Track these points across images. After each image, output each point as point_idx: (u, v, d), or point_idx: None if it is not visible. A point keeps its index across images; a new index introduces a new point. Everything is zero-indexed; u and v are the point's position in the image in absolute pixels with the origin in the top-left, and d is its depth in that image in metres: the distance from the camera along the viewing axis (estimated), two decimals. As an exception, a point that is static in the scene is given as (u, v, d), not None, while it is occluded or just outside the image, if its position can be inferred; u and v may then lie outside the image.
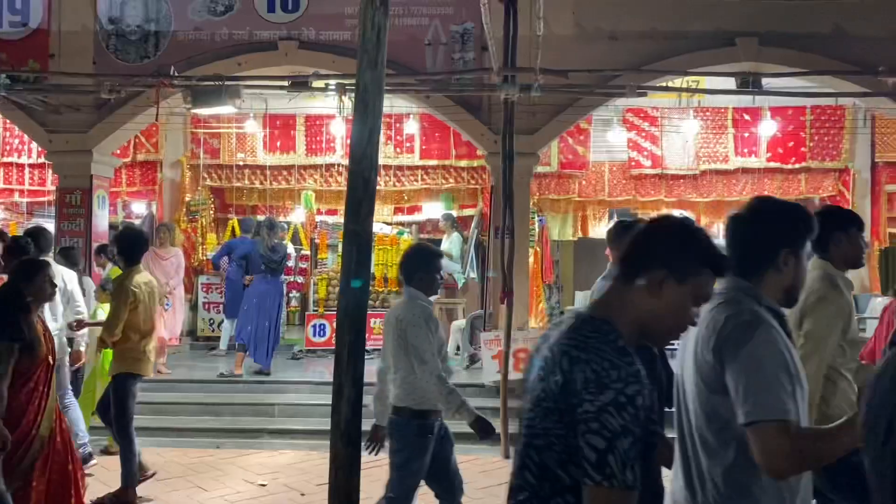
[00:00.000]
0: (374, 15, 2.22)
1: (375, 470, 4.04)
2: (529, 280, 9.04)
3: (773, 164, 10.82)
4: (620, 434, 1.55)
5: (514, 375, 7.50)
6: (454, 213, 10.99)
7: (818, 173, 10.89)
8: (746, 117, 10.66)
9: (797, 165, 10.79)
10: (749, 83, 8.24)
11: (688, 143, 10.83)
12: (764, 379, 1.77)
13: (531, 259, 10.22)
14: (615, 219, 11.28)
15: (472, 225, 10.94)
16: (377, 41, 2.23)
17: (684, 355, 1.98)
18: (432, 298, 4.29)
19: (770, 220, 1.99)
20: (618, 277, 1.78)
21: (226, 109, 8.35)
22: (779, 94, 8.36)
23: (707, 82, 9.19)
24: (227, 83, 7.67)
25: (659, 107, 10.71)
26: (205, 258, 10.65)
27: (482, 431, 3.82)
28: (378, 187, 11.50)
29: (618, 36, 8.10)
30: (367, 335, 2.56)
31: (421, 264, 3.96)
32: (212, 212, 11.38)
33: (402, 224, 11.70)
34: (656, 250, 1.75)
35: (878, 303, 9.44)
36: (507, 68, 7.37)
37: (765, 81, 8.36)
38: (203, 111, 8.77)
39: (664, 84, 8.62)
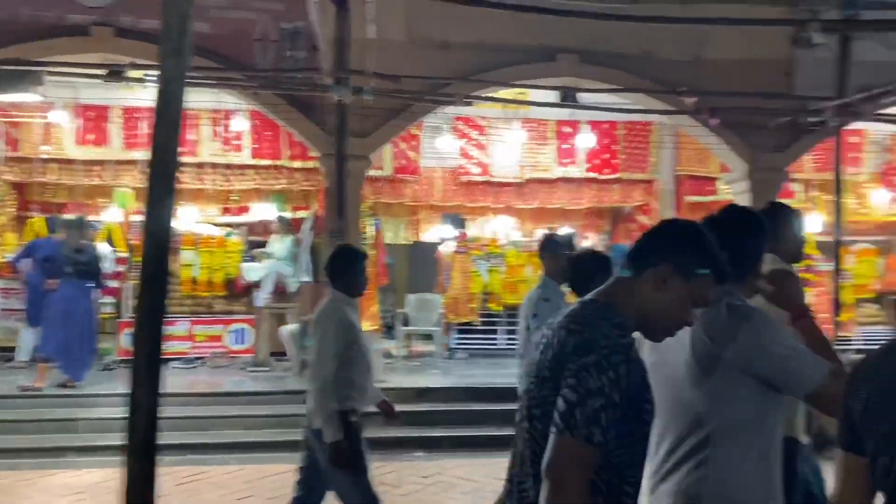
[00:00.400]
0: (177, 0, 2.10)
1: (195, 484, 3.83)
2: (361, 283, 8.99)
3: (590, 175, 11.57)
4: (594, 393, 1.60)
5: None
6: (288, 215, 10.73)
7: (629, 184, 11.78)
8: (567, 130, 11.30)
9: (611, 176, 11.61)
10: (569, 97, 8.75)
11: (514, 153, 11.31)
12: None
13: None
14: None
15: (306, 227, 10.72)
16: (180, 29, 2.11)
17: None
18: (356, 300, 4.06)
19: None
20: (626, 268, 1.84)
21: (27, 96, 7.61)
22: (595, 109, 8.96)
23: (532, 95, 9.63)
24: (28, 68, 6.99)
25: (487, 116, 11.10)
26: (2, 260, 9.63)
27: (335, 457, 3.55)
28: (204, 186, 10.87)
29: (449, 45, 8.28)
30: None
31: (347, 265, 3.83)
32: (12, 209, 10.33)
33: (230, 225, 11.23)
34: (668, 246, 1.82)
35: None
36: (340, 70, 7.32)
37: (584, 96, 8.92)
38: (0, 97, 7.94)
39: (492, 94, 8.93)
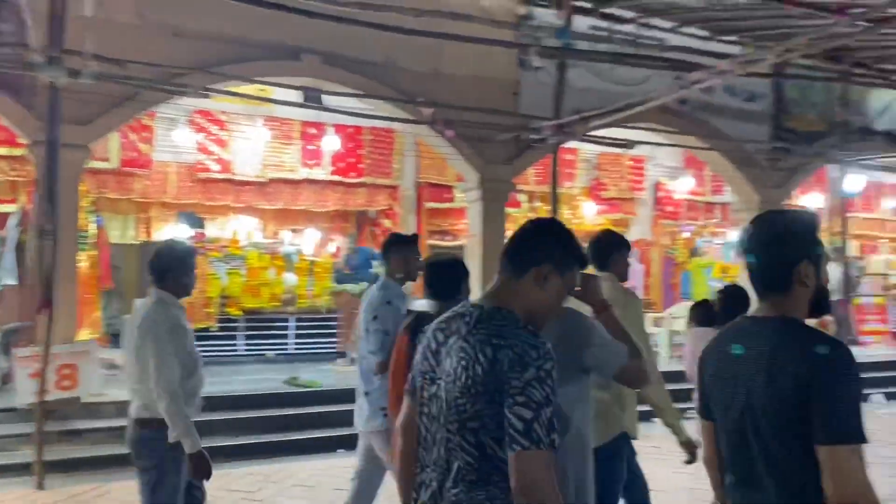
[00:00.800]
0: None
1: None
2: (78, 287, 8.11)
3: (335, 178, 11.61)
4: (543, 404, 1.73)
5: (55, 395, 6.66)
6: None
7: (374, 188, 12.02)
8: (313, 131, 11.24)
9: (356, 180, 11.76)
10: (312, 98, 8.70)
11: (256, 151, 10.97)
12: None
13: (85, 264, 9.23)
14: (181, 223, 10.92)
15: (11, 223, 9.41)
16: None
17: None
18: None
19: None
20: (505, 272, 1.99)
21: None
22: (338, 112, 8.99)
23: (276, 93, 9.42)
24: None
25: (228, 111, 10.64)
26: None
27: (197, 467, 3.34)
28: None
29: (183, 33, 7.79)
30: None
31: (174, 264, 3.52)
32: None
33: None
34: (546, 247, 1.99)
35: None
36: (53, 48, 6.52)
37: (330, 99, 8.92)
38: None
39: (232, 89, 8.58)
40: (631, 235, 14.35)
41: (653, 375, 3.24)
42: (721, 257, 14.53)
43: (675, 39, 8.45)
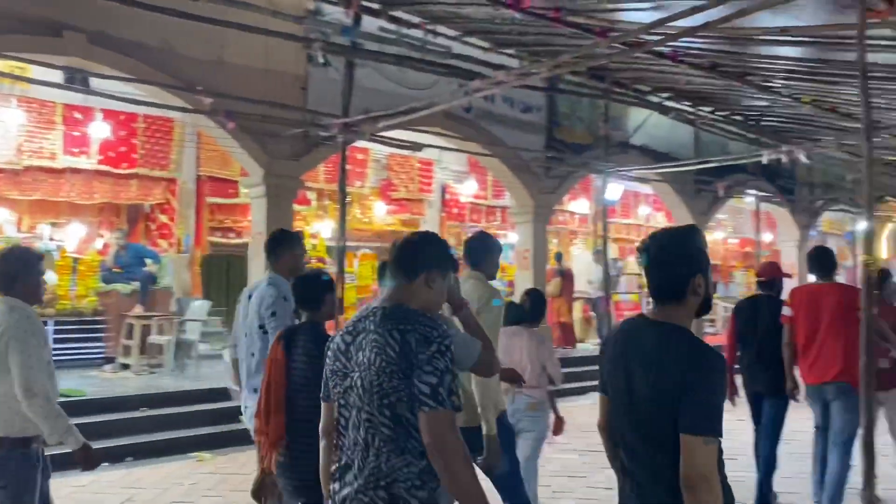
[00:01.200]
0: None
1: None
2: None
3: (103, 167, 10.66)
4: (445, 371, 2.11)
5: None
6: None
7: (148, 180, 11.21)
8: (78, 115, 10.24)
9: (128, 170, 10.89)
10: (77, 80, 7.89)
11: (10, 135, 9.77)
12: None
13: None
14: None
15: None
16: None
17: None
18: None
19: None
20: (396, 278, 2.33)
21: None
22: (108, 97, 8.24)
23: (34, 72, 8.43)
24: None
25: (-26, 87, 9.37)
26: None
27: (87, 460, 3.36)
28: None
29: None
30: None
31: (23, 269, 3.37)
32: None
33: None
34: (432, 256, 2.37)
35: (197, 306, 10.20)
36: None
37: (98, 82, 8.13)
38: None
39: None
40: (418, 236, 14.78)
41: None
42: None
43: (460, 48, 8.78)
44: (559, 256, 13.77)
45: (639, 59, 7.97)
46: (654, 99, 10.61)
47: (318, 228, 13.21)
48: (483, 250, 3.99)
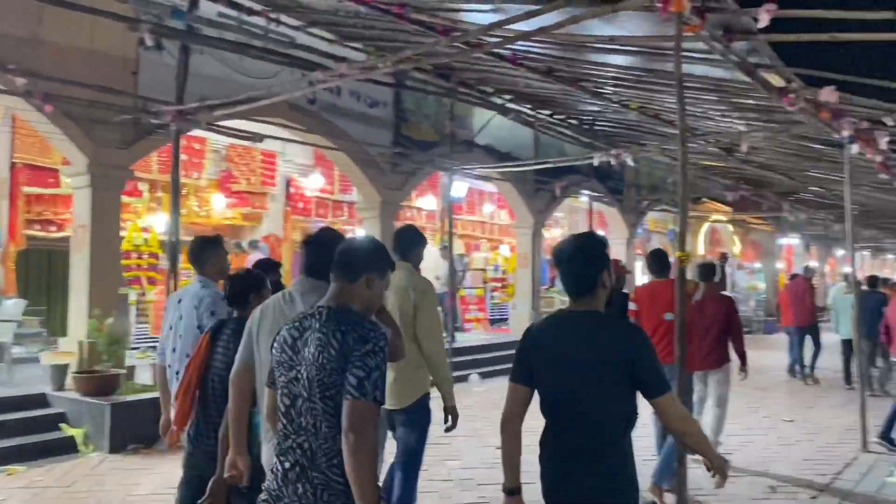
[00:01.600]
0: None
1: None
2: None
3: None
4: (374, 369, 2.33)
5: None
6: None
7: (-49, 167, 10.05)
8: None
9: (-74, 155, 9.70)
10: None
11: None
12: None
13: None
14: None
15: None
16: None
17: None
18: None
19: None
20: (339, 280, 2.53)
21: None
22: None
23: None
24: None
25: None
26: None
27: None
28: None
29: None
30: None
31: None
32: None
33: None
34: (372, 260, 2.58)
35: (11, 305, 9.30)
36: None
37: None
38: None
39: None
40: (262, 230, 14.33)
41: (433, 349, 4.14)
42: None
43: (304, 39, 8.57)
44: (405, 252, 13.84)
45: (481, 60, 8.17)
46: (497, 100, 10.94)
47: (151, 222, 12.45)
48: (411, 243, 4.43)
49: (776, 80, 5.99)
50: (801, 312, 12.25)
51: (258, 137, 9.20)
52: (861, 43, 4.37)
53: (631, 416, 2.59)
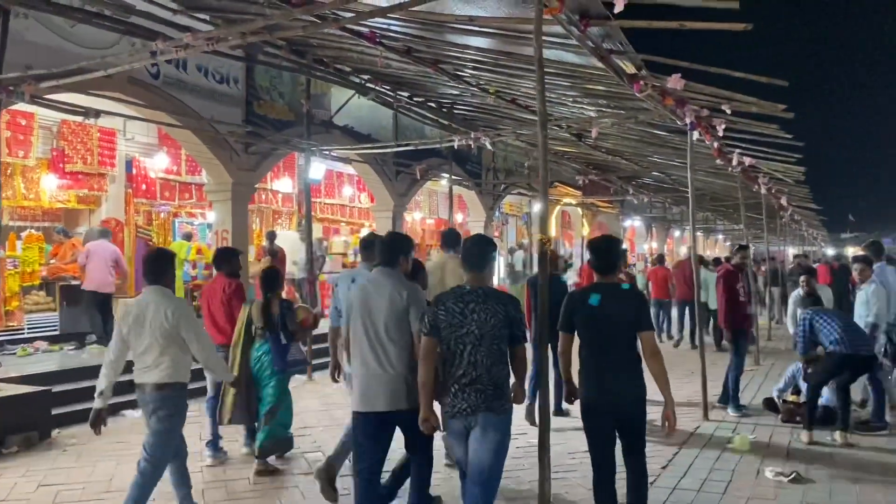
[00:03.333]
0: None
1: None
2: None
3: None
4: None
5: None
6: None
7: None
8: None
9: None
10: None
11: None
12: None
13: None
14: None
15: None
16: None
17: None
18: None
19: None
20: (473, 271, 3.96)
21: None
22: None
23: None
24: None
25: None
26: None
27: None
28: None
29: None
30: None
31: None
32: None
33: None
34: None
35: None
36: None
37: None
38: None
39: None
40: (101, 214, 13.23)
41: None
42: (199, 238, 14.44)
43: (145, 6, 7.88)
44: (271, 235, 13.28)
45: (338, 36, 7.88)
46: (356, 80, 10.67)
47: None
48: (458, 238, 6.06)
49: (628, 67, 6.19)
50: (683, 289, 13.81)
51: (93, 113, 8.41)
52: (706, 31, 4.56)
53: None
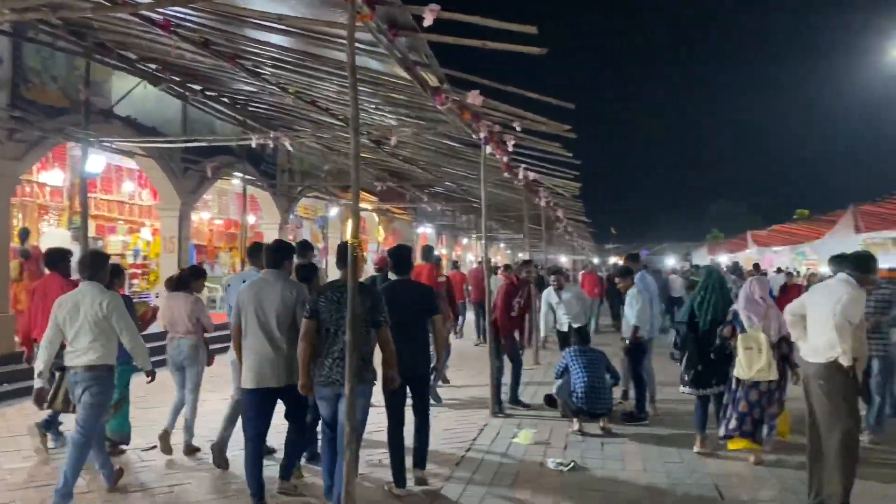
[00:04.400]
0: None
1: None
2: None
3: None
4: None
5: None
6: None
7: None
8: None
9: None
10: None
11: None
12: None
13: None
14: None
15: None
16: None
17: None
18: None
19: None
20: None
21: None
22: None
23: None
24: None
25: None
26: None
27: None
28: None
29: None
30: None
31: None
32: None
33: None
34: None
35: None
36: None
37: None
38: None
39: None
40: None
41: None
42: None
43: None
44: (24, 234, 11.90)
45: (126, 22, 7.33)
46: (143, 68, 9.96)
47: None
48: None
49: (431, 80, 6.41)
50: (477, 292, 15.68)
51: None
52: (506, 52, 4.86)
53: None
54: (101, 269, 5.37)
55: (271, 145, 10.46)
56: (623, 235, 71.88)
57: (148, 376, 5.61)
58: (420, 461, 5.66)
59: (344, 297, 4.56)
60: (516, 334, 8.87)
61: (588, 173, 12.51)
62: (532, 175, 11.51)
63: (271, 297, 4.99)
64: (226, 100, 11.92)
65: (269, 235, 18.84)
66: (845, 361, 4.78)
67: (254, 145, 10.59)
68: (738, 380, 6.31)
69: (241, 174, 15.15)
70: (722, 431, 6.40)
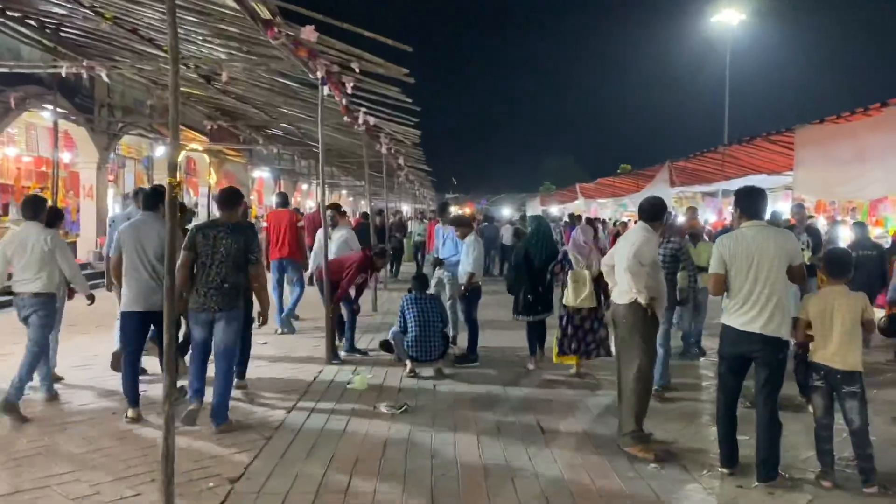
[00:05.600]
0: None
1: None
2: None
3: None
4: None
5: None
6: None
7: None
8: None
9: None
10: None
11: None
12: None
13: None
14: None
15: None
16: None
17: None
18: None
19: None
20: (227, 211, 5.81)
21: None
22: None
23: None
24: None
25: None
26: None
27: None
28: None
29: None
30: None
31: None
32: None
33: None
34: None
35: None
36: None
37: None
38: None
39: None
40: None
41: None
42: None
43: None
44: None
45: None
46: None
47: None
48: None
49: (263, 11, 6.05)
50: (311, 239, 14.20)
51: None
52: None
53: None
54: (42, 210, 6.30)
55: (85, 75, 9.50)
56: (462, 185, 73.53)
57: (88, 299, 6.47)
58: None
59: (219, 234, 5.49)
60: (352, 291, 8.79)
61: (429, 122, 12.55)
62: (372, 120, 11.32)
63: (150, 235, 5.84)
64: (32, 23, 10.64)
65: (87, 175, 17.37)
66: (643, 300, 5.19)
67: (64, 74, 9.58)
68: (566, 307, 7.51)
69: (52, 106, 13.70)
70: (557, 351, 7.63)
